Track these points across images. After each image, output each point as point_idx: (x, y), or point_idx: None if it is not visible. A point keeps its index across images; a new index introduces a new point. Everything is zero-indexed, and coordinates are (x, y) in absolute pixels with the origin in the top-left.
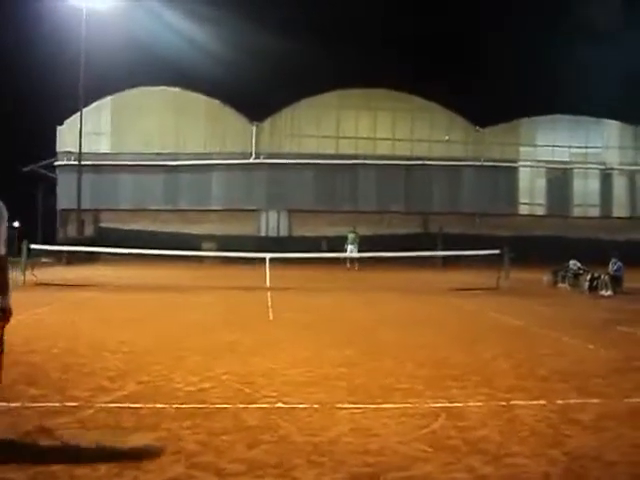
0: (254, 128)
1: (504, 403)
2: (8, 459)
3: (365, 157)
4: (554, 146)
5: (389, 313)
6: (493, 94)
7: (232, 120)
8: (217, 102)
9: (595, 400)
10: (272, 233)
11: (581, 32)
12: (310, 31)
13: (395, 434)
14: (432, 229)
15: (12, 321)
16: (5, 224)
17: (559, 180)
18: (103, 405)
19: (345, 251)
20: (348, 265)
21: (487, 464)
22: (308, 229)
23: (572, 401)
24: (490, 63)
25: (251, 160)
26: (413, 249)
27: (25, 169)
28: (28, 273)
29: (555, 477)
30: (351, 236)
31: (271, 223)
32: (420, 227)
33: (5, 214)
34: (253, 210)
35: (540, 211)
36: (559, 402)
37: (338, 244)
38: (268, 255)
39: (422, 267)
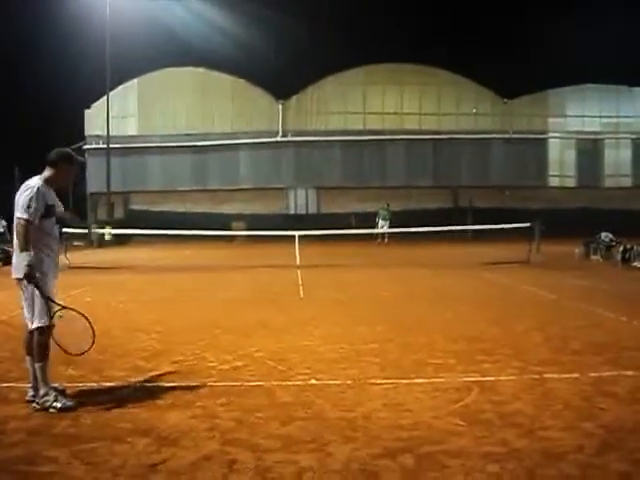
0: (280, 106)
1: (537, 376)
2: (50, 438)
3: (392, 132)
4: (584, 116)
5: (420, 288)
6: (520, 65)
7: (258, 99)
8: (243, 81)
9: (630, 372)
10: (301, 211)
11: None
12: (334, 7)
13: (428, 409)
14: (461, 203)
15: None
16: (24, 196)
17: (590, 151)
18: (139, 385)
19: (377, 227)
20: (379, 240)
21: (521, 437)
22: (337, 206)
23: (606, 374)
24: (516, 33)
25: (278, 138)
26: (443, 224)
27: None
28: (62, 257)
29: (590, 450)
30: (383, 212)
31: (299, 201)
32: (449, 201)
33: (25, 191)
34: (281, 188)
35: (570, 183)
36: (593, 375)
37: (367, 220)
38: (297, 233)
39: (452, 242)
